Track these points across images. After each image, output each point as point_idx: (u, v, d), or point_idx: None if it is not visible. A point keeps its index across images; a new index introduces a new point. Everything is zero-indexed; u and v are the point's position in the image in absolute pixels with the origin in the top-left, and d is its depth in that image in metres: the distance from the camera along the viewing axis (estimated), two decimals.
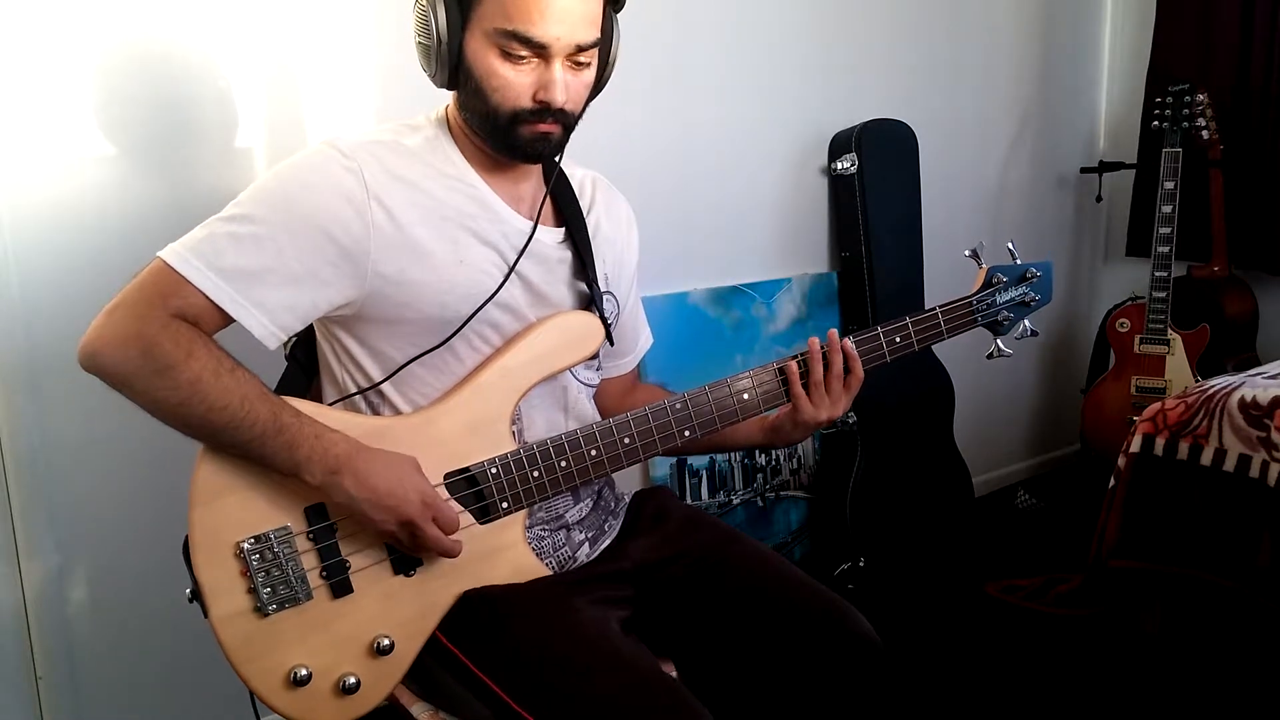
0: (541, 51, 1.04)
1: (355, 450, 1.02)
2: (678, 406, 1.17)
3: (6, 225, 1.41)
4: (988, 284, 1.31)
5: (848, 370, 1.22)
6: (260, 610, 1.01)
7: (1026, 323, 1.35)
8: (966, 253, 1.33)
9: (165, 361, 0.96)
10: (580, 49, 1.06)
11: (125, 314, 0.97)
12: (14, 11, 1.38)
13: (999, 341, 1.34)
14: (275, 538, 1.02)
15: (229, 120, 1.58)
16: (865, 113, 2.42)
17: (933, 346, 2.49)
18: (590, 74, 1.11)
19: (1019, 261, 1.34)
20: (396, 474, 1.02)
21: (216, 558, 1.01)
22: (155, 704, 1.61)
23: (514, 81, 1.05)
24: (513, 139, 1.08)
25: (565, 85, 1.06)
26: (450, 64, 1.06)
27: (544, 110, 1.06)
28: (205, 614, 1.01)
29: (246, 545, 1.01)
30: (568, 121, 1.10)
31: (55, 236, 1.44)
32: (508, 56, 1.04)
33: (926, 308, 1.27)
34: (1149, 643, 1.94)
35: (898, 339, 1.25)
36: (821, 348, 1.21)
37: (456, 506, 1.08)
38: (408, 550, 1.07)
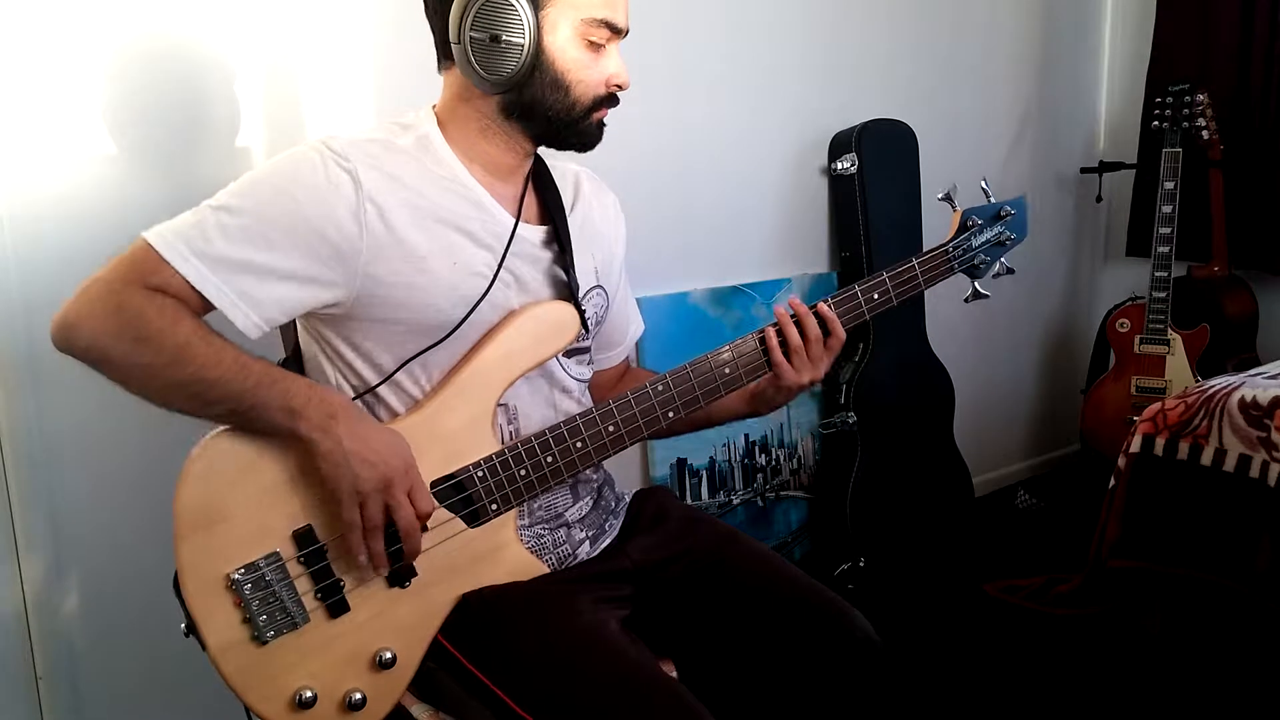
0: (616, 38, 1.10)
1: (350, 404, 1.03)
2: (660, 388, 1.16)
3: (7, 225, 1.41)
4: (963, 228, 1.28)
5: (828, 333, 1.20)
6: (258, 639, 1.01)
7: (1003, 260, 1.32)
8: (939, 196, 1.30)
9: (149, 330, 0.94)
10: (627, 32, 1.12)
11: (102, 288, 0.96)
12: (15, 11, 1.38)
13: (976, 284, 1.32)
14: (265, 565, 1.01)
15: (230, 119, 1.58)
16: (865, 113, 2.42)
17: (932, 346, 2.52)
18: None
19: (993, 200, 1.31)
20: (389, 438, 1.02)
21: (208, 590, 1.00)
22: (156, 704, 1.61)
23: (595, 70, 1.10)
24: (584, 127, 1.12)
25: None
26: (531, 62, 1.06)
27: (614, 96, 1.13)
28: (203, 647, 1.01)
29: (237, 576, 1.00)
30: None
31: (56, 235, 1.44)
32: (592, 46, 1.08)
33: (903, 260, 1.25)
34: (1149, 643, 1.94)
35: (875, 296, 1.23)
36: (789, 313, 1.20)
37: (444, 514, 1.08)
38: (371, 526, 1.01)
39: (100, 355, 0.95)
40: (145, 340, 0.94)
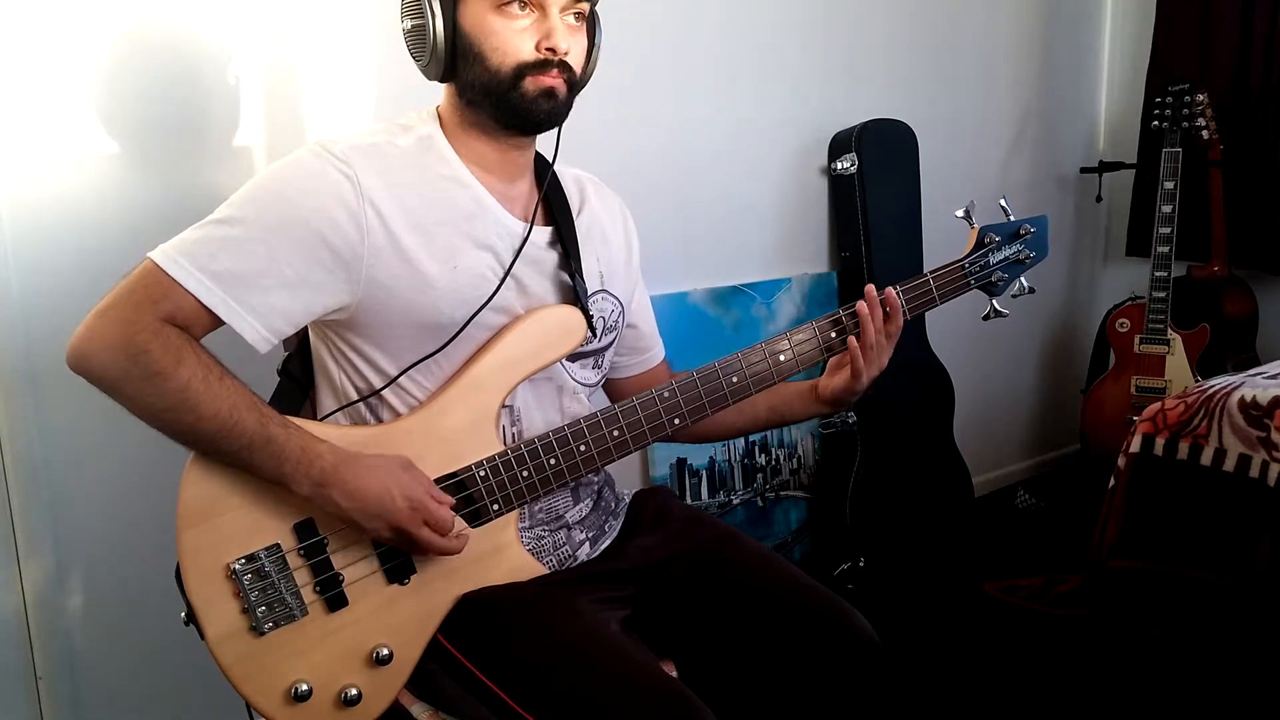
0: (539, 1, 1.06)
1: (341, 461, 1.01)
2: (665, 395, 1.16)
3: (6, 224, 1.41)
4: (980, 245, 1.28)
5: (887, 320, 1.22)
6: (256, 629, 1.01)
7: (1023, 280, 1.31)
8: (959, 213, 1.29)
9: (154, 368, 0.95)
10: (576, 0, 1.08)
11: (115, 317, 0.97)
12: (15, 9, 1.38)
13: (995, 302, 1.31)
14: (265, 556, 1.02)
15: (230, 119, 1.58)
16: (865, 113, 2.42)
17: (932, 346, 2.51)
18: (584, 39, 1.12)
19: (1012, 219, 1.30)
20: (382, 481, 1.01)
21: (208, 580, 1.01)
22: (156, 704, 1.61)
23: (514, 35, 1.06)
24: (518, 98, 1.07)
25: (566, 34, 1.07)
26: (448, 39, 1.06)
27: (547, 61, 1.07)
28: (202, 636, 1.01)
29: (237, 566, 1.01)
30: (571, 78, 1.10)
31: (55, 235, 1.44)
32: (505, 13, 1.05)
33: (918, 275, 1.25)
34: (1149, 643, 1.94)
35: (887, 310, 1.23)
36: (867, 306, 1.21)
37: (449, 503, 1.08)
38: (409, 551, 1.07)
39: (110, 387, 0.97)
40: (150, 379, 0.96)
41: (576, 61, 1.11)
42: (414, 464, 1.06)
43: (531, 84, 1.07)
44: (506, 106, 1.08)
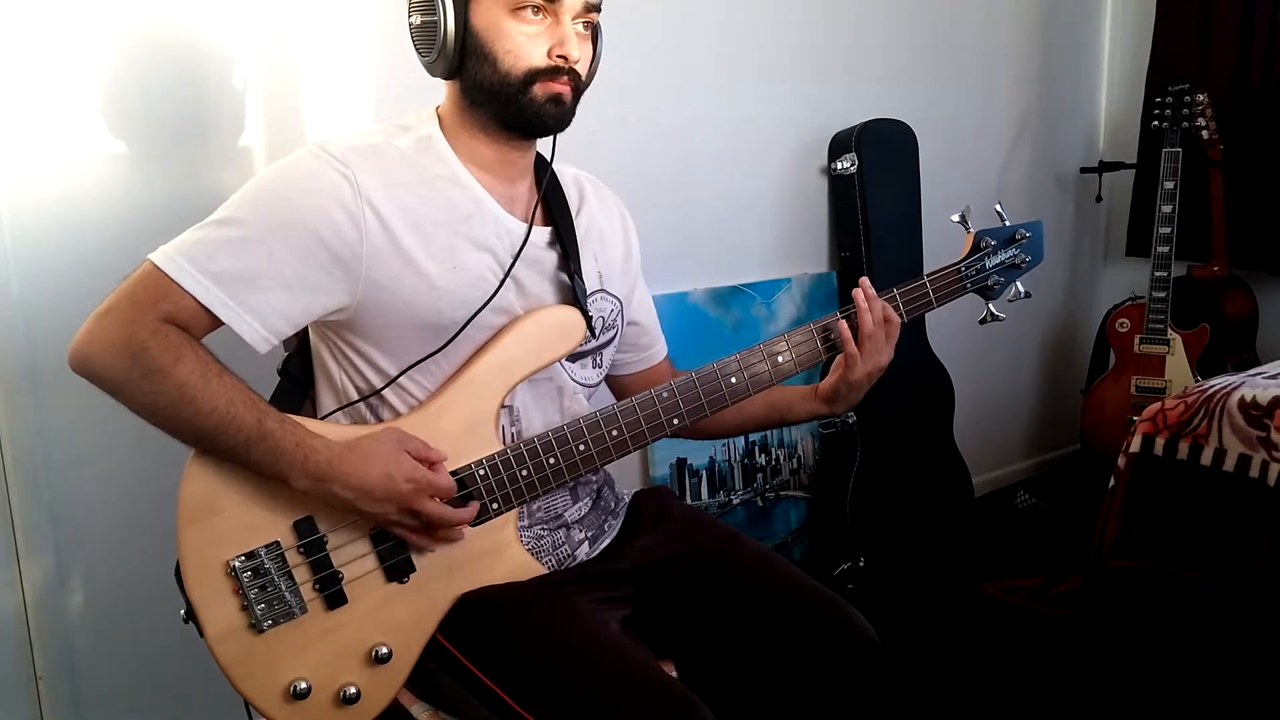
0: (553, 8, 1.06)
1: (337, 455, 1.02)
2: (664, 395, 1.17)
3: (6, 225, 1.41)
4: (976, 249, 1.29)
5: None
6: (255, 627, 1.01)
7: (1019, 285, 1.33)
8: (954, 218, 1.30)
9: (154, 366, 0.96)
10: (589, 8, 1.08)
11: (115, 319, 0.97)
12: (17, 8, 1.38)
13: (991, 306, 1.32)
14: (265, 554, 1.02)
15: (231, 119, 1.58)
16: (865, 113, 2.42)
17: (931, 346, 2.51)
18: (590, 47, 1.13)
19: (1008, 224, 1.31)
20: (380, 465, 1.02)
21: (208, 577, 1.01)
22: (156, 704, 1.61)
23: (527, 40, 1.06)
24: (526, 103, 1.07)
25: (577, 42, 1.08)
26: (458, 37, 1.05)
27: (558, 68, 1.07)
28: (201, 634, 1.01)
29: (237, 563, 1.01)
30: (578, 85, 1.11)
31: (55, 235, 1.44)
32: (519, 17, 1.05)
33: (914, 278, 1.26)
34: (1149, 643, 1.94)
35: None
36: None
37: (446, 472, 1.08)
38: (420, 533, 1.06)
39: (113, 387, 0.98)
40: (149, 378, 0.96)
41: (584, 69, 1.11)
42: (405, 434, 1.06)
43: (541, 90, 1.08)
44: (514, 110, 1.08)
